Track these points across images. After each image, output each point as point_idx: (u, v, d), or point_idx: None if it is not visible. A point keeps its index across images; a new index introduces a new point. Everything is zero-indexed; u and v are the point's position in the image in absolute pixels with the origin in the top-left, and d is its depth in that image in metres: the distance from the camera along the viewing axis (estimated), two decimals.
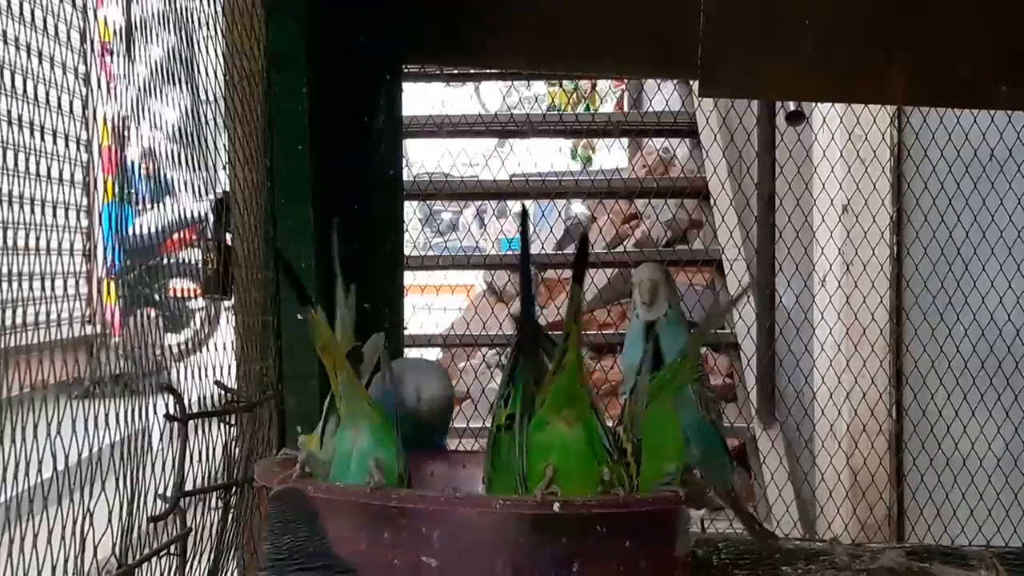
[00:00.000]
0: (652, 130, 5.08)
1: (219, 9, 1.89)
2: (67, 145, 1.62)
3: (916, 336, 3.37)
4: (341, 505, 1.34)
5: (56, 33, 1.53)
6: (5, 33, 1.46)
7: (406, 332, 2.58)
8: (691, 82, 4.71)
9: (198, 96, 1.96)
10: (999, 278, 3.25)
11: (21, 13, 1.46)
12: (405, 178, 2.32)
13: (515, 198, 5.13)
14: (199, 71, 1.93)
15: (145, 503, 1.56)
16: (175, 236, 2.84)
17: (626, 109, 7.07)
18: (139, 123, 2.12)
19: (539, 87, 9.36)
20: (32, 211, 1.57)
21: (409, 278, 3.29)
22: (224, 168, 1.97)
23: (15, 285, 1.58)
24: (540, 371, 1.40)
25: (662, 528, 1.46)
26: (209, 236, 1.92)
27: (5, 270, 1.54)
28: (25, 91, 1.56)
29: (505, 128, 4.66)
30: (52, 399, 1.48)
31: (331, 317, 1.50)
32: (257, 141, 1.86)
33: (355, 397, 1.40)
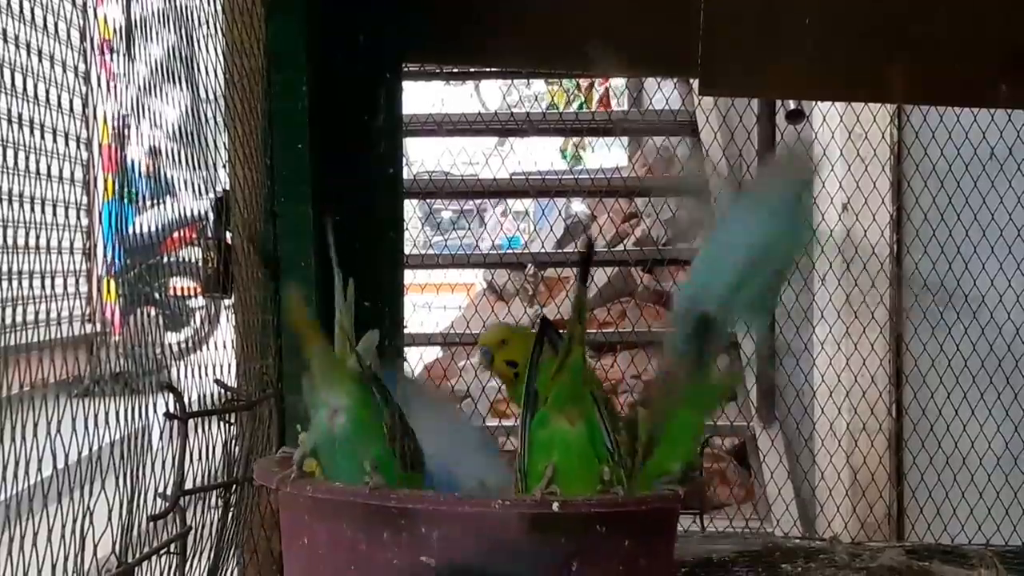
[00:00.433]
0: (652, 129, 5.07)
1: (219, 7, 1.89)
2: (67, 143, 1.62)
3: (916, 335, 3.37)
4: (340, 505, 1.34)
5: (56, 31, 1.53)
6: (5, 31, 1.46)
7: (406, 331, 2.58)
8: (691, 81, 4.71)
9: (198, 95, 1.96)
10: (999, 276, 3.25)
11: (21, 11, 1.46)
12: (405, 177, 2.32)
13: (515, 196, 5.13)
14: (199, 70, 1.93)
15: (145, 501, 1.56)
16: (175, 235, 2.84)
17: (614, 107, 7.06)
18: (139, 122, 2.12)
19: (539, 86, 9.36)
20: (32, 209, 1.57)
21: (409, 276, 3.29)
22: (224, 167, 1.97)
23: (15, 283, 1.58)
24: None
25: (661, 527, 1.46)
26: (209, 235, 1.92)
27: (5, 268, 1.54)
28: (25, 89, 1.56)
29: (505, 127, 4.66)
30: (52, 397, 1.48)
31: (331, 313, 1.49)
32: (257, 140, 1.86)
33: (327, 362, 1.35)
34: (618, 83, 7.48)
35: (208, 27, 1.93)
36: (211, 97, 1.95)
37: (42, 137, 1.58)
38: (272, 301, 1.85)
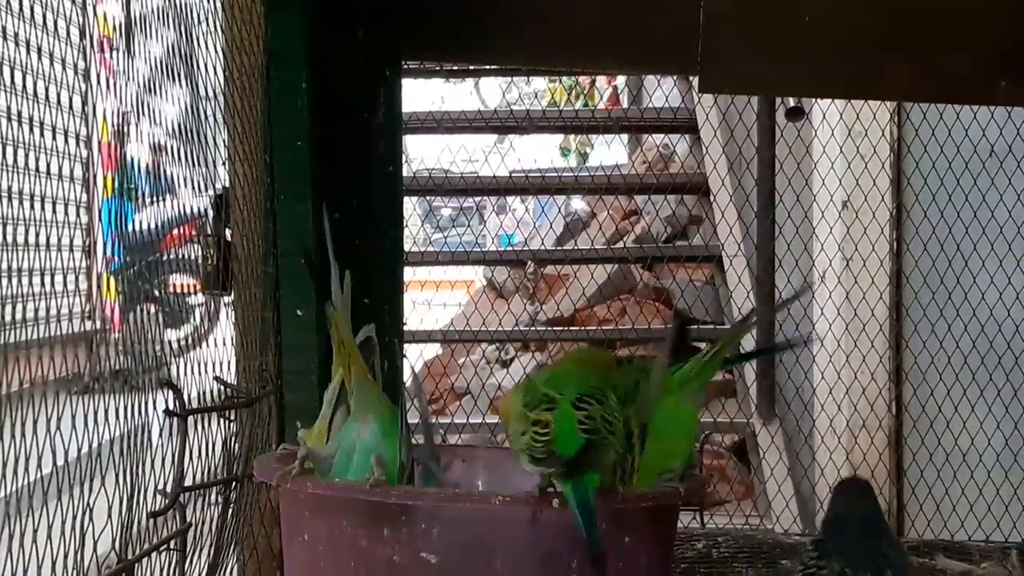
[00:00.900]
0: (652, 126, 5.08)
1: (219, 5, 1.89)
2: (67, 141, 1.62)
3: (916, 332, 3.37)
4: (341, 501, 1.34)
5: (55, 29, 1.53)
6: (4, 29, 1.46)
7: (406, 328, 2.59)
8: (691, 78, 4.71)
9: (198, 92, 1.96)
10: (999, 274, 3.25)
11: (21, 9, 1.46)
12: (405, 174, 2.32)
13: (515, 194, 5.13)
14: (199, 67, 1.93)
15: (145, 498, 1.56)
16: (175, 232, 2.84)
17: (624, 104, 7.06)
18: (139, 119, 2.12)
19: (539, 83, 9.36)
20: (32, 207, 1.57)
21: (409, 274, 3.29)
22: (224, 164, 1.97)
23: (15, 281, 1.58)
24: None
25: (662, 524, 1.46)
26: (209, 232, 1.92)
27: (5, 266, 1.54)
28: (25, 87, 1.56)
29: (505, 124, 4.66)
30: (52, 395, 1.48)
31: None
32: (257, 137, 1.86)
33: (367, 392, 1.41)
34: (620, 81, 7.48)
35: (208, 24, 1.93)
36: (211, 94, 1.95)
37: (42, 134, 1.58)
38: (271, 299, 1.85)
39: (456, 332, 4.49)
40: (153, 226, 2.98)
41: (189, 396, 1.64)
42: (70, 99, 1.62)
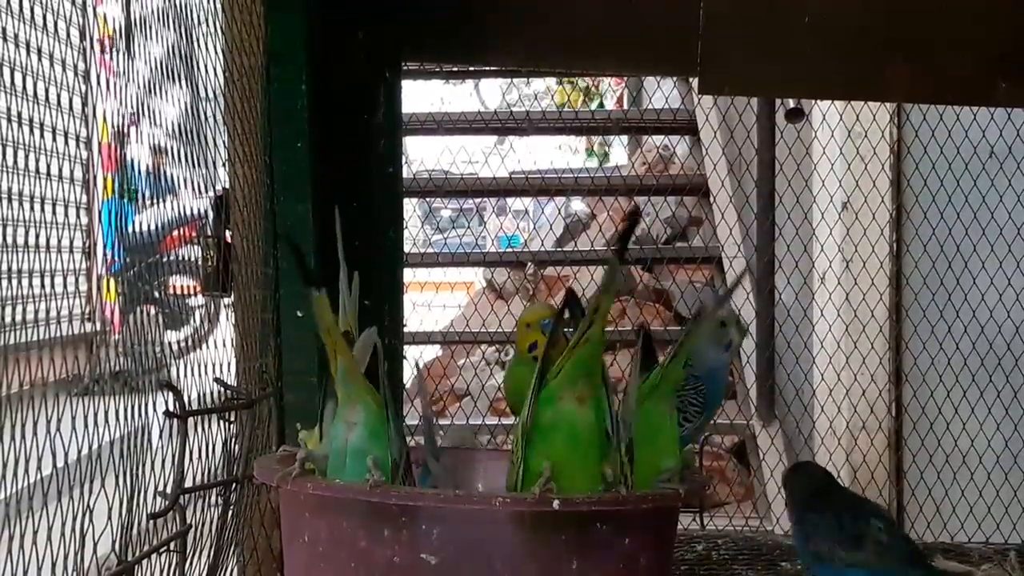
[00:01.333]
0: (652, 127, 5.08)
1: (219, 6, 1.89)
2: (67, 142, 1.62)
3: (916, 333, 3.37)
4: (341, 503, 1.34)
5: (56, 30, 1.53)
6: (5, 30, 1.46)
7: (406, 329, 2.58)
8: (691, 79, 4.71)
9: (198, 93, 1.96)
10: (998, 275, 3.25)
11: (21, 10, 1.46)
12: (404, 175, 2.32)
13: (515, 195, 5.13)
14: (199, 68, 1.93)
15: (145, 500, 1.56)
16: (175, 233, 2.84)
17: (626, 106, 7.06)
18: (139, 120, 2.12)
19: (539, 84, 9.37)
20: (32, 208, 1.57)
21: (409, 275, 3.29)
22: (224, 165, 1.97)
23: (15, 282, 1.58)
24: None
25: (662, 525, 1.46)
26: (209, 233, 1.92)
27: (5, 267, 1.54)
28: (25, 88, 1.56)
29: (505, 125, 4.66)
30: (52, 396, 1.48)
31: (335, 307, 1.49)
32: (257, 138, 1.86)
33: (353, 380, 1.38)
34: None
35: (208, 25, 1.93)
36: (211, 95, 1.95)
37: (42, 136, 1.58)
38: (273, 299, 1.85)
39: (456, 334, 4.49)
40: (153, 228, 2.98)
41: (189, 397, 1.64)
42: (70, 100, 1.62)
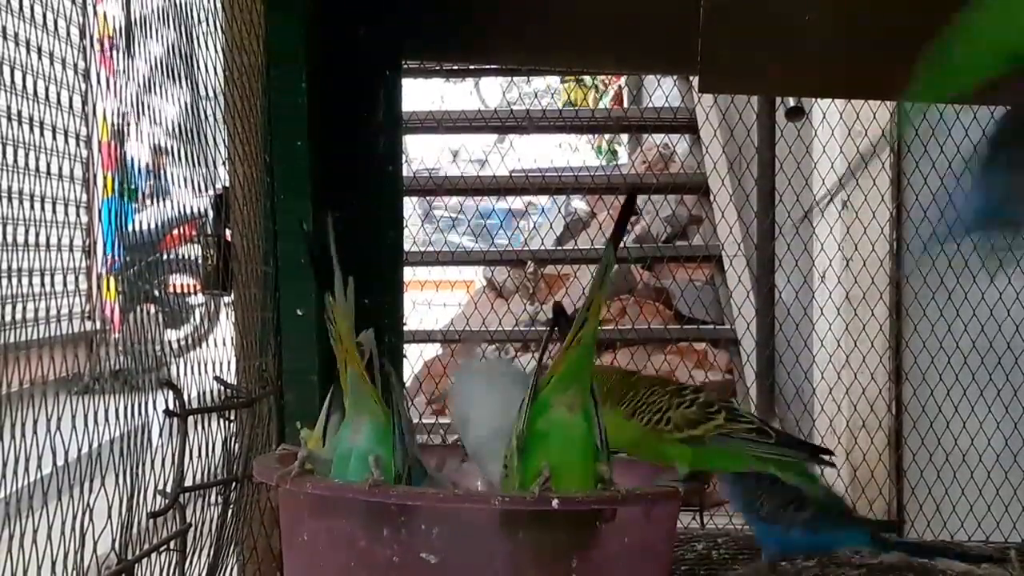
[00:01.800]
0: (652, 126, 5.08)
1: (218, 4, 1.89)
2: (67, 141, 1.62)
3: (916, 332, 3.37)
4: (340, 502, 1.34)
5: (56, 28, 1.53)
6: (4, 29, 1.46)
7: (406, 328, 2.58)
8: (691, 78, 4.71)
9: (198, 92, 1.96)
10: (999, 274, 3.24)
11: (21, 8, 1.46)
12: (404, 174, 2.32)
13: (515, 194, 5.13)
14: (199, 67, 1.93)
15: (145, 499, 1.56)
16: (175, 232, 2.84)
17: (625, 105, 7.06)
18: (139, 119, 2.12)
19: (539, 83, 9.37)
20: (32, 207, 1.57)
21: (409, 274, 3.29)
22: (224, 163, 1.97)
23: (15, 281, 1.58)
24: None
25: (662, 524, 1.46)
26: (209, 232, 1.92)
27: (5, 266, 1.54)
28: (24, 87, 1.56)
29: (505, 124, 4.66)
30: (52, 395, 1.48)
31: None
32: (256, 136, 1.86)
33: (363, 391, 1.39)
34: (621, 80, 7.48)
35: (207, 24, 1.93)
36: (210, 94, 1.95)
37: (42, 134, 1.58)
38: (272, 299, 1.85)
39: (456, 332, 4.50)
40: (153, 226, 2.98)
41: (189, 396, 1.64)
42: (70, 99, 1.62)
